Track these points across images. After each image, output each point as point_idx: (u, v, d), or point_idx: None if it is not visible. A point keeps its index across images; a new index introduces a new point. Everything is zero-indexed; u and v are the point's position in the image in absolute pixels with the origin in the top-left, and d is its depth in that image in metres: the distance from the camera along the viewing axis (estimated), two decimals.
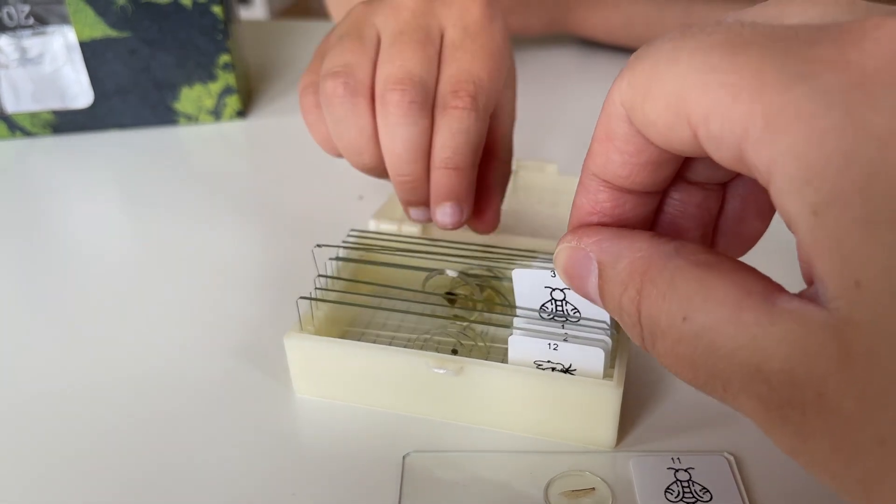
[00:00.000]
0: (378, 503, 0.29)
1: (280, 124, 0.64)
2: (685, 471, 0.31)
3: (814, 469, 0.18)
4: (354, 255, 0.38)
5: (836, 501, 0.29)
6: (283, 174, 0.57)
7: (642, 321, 0.21)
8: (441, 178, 0.36)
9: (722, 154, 0.19)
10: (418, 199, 0.38)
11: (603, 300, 0.23)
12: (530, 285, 0.31)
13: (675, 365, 0.20)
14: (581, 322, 0.31)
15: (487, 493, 0.30)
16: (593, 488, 0.30)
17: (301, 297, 0.33)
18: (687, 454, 0.31)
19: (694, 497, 0.29)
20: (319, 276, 0.35)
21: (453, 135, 0.36)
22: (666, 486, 0.30)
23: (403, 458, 0.31)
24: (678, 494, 0.30)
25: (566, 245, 0.25)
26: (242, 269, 0.44)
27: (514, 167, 0.49)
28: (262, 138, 0.62)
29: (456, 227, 0.38)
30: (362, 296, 0.36)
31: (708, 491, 0.30)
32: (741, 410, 0.19)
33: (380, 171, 0.38)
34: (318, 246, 0.36)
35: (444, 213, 0.37)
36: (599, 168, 0.24)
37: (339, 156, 0.40)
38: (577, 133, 0.62)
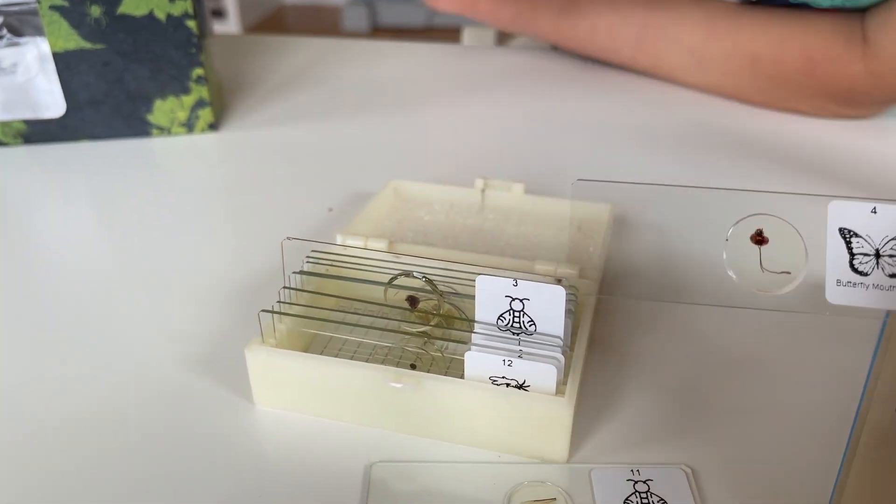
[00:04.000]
0: None
1: (251, 137, 0.65)
2: (644, 482, 0.31)
3: None
4: (320, 268, 0.38)
5: None
6: (254, 187, 0.57)
7: None
8: None
9: None
10: None
11: None
12: (492, 293, 0.32)
13: None
14: (536, 335, 0.32)
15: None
16: (554, 499, 0.31)
17: (263, 311, 0.34)
18: (646, 466, 0.32)
19: None
20: (284, 288, 0.36)
21: None
22: (625, 498, 0.31)
23: (367, 468, 0.32)
24: None
25: None
26: (210, 281, 0.44)
27: (481, 186, 0.50)
28: (234, 151, 0.63)
29: None
30: (325, 310, 0.37)
31: (665, 502, 0.30)
32: None
33: None
34: (289, 238, 0.37)
35: None
36: None
37: None
38: (545, 153, 0.63)
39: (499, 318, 0.32)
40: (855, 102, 0.66)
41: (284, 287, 0.36)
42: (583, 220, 0.48)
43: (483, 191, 0.50)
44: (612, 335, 0.40)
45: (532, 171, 0.58)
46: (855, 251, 0.27)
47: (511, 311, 0.32)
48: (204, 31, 0.62)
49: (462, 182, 0.51)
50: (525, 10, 0.78)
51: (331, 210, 0.52)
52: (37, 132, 0.62)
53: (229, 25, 2.87)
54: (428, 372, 0.33)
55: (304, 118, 0.69)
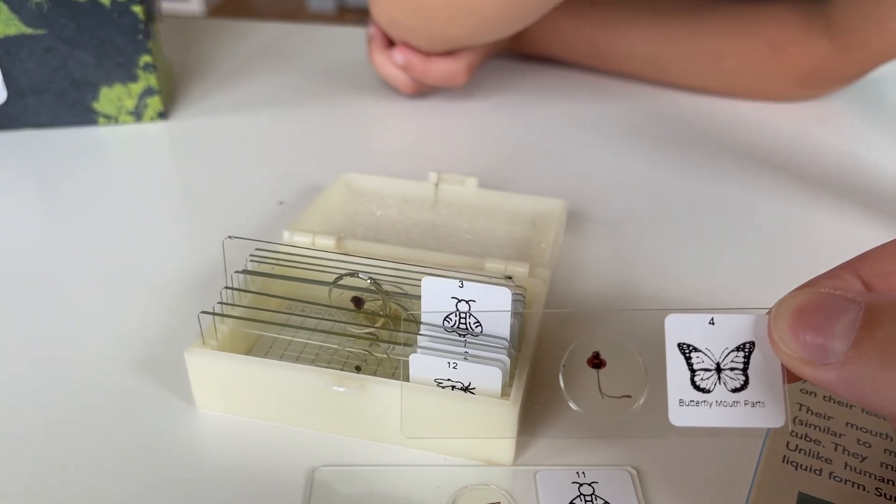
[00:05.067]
0: None
1: (203, 126, 0.63)
2: (589, 485, 0.31)
3: None
4: (264, 267, 0.38)
5: None
6: (203, 178, 0.56)
7: None
8: None
9: None
10: None
11: (870, 344, 0.21)
12: (438, 294, 0.31)
13: None
14: (482, 337, 0.31)
15: None
16: (498, 502, 0.30)
17: (203, 312, 0.33)
18: (591, 468, 0.32)
19: None
20: (225, 288, 0.35)
21: None
22: (569, 500, 0.30)
23: (310, 473, 0.31)
24: None
25: (807, 290, 0.24)
26: (156, 277, 0.43)
27: (434, 180, 0.49)
28: (184, 140, 0.61)
29: None
30: (269, 311, 0.36)
31: None
32: None
33: None
34: (230, 237, 0.36)
35: None
36: (872, 273, 0.25)
37: None
38: (496, 147, 0.62)
39: (445, 320, 0.32)
40: (821, 82, 0.67)
41: (226, 287, 0.35)
42: (536, 216, 0.48)
43: (437, 185, 0.49)
44: (563, 334, 0.40)
45: (487, 164, 0.58)
46: (695, 367, 0.26)
47: (457, 313, 0.31)
48: (152, 15, 0.61)
49: (417, 175, 0.50)
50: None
51: (281, 203, 0.51)
52: None
53: (192, 5, 2.81)
54: (374, 374, 0.33)
55: (259, 106, 0.67)
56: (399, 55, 0.63)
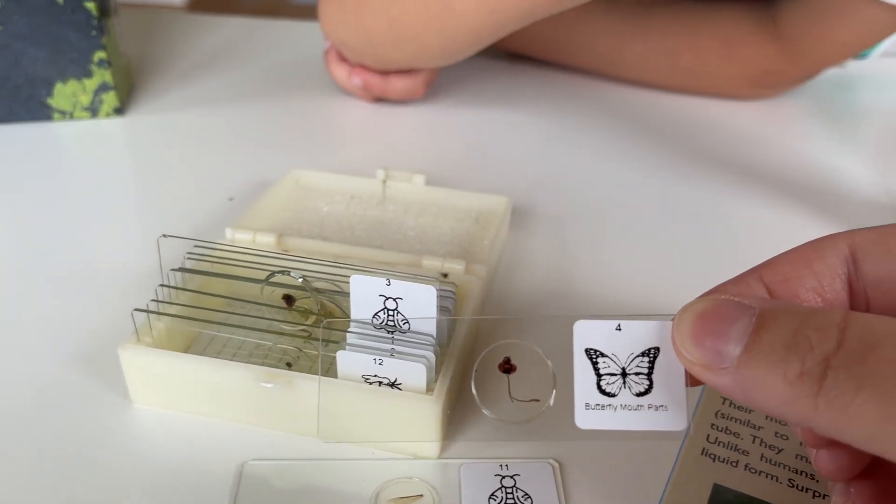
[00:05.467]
0: None
1: (159, 122, 0.63)
2: (511, 477, 0.32)
3: None
4: (203, 265, 0.38)
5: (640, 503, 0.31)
6: (156, 174, 0.56)
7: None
8: None
9: None
10: None
11: (758, 347, 0.22)
12: (366, 292, 0.32)
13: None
14: (409, 334, 0.32)
15: (319, 501, 0.31)
16: (421, 495, 0.31)
17: (136, 310, 0.34)
18: (515, 461, 0.33)
19: (515, 503, 0.31)
20: (160, 286, 0.35)
21: None
22: (490, 493, 0.31)
23: (241, 466, 0.32)
24: (501, 500, 0.31)
25: (710, 297, 0.25)
26: (99, 273, 0.44)
27: (382, 177, 0.50)
28: (139, 136, 0.61)
29: None
30: (206, 310, 0.36)
31: (529, 497, 0.31)
32: None
33: None
34: (164, 236, 0.36)
35: None
36: (775, 278, 0.26)
37: None
38: (447, 144, 0.63)
39: (373, 317, 0.32)
40: (772, 83, 0.69)
41: (161, 285, 0.35)
42: (481, 213, 0.48)
43: (384, 182, 0.50)
44: (498, 333, 0.41)
45: (436, 162, 0.58)
46: (602, 372, 0.27)
47: (385, 310, 0.32)
48: (107, 11, 0.61)
49: (366, 173, 0.51)
50: None
51: (231, 199, 0.52)
52: None
53: None
54: (309, 371, 0.34)
55: (216, 102, 0.68)
56: (357, 79, 0.65)
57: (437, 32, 0.57)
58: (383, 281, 0.31)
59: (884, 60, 0.78)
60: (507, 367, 0.30)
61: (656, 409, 0.27)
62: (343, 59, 0.66)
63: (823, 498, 0.31)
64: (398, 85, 0.65)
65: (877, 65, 0.80)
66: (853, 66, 0.79)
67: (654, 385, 0.27)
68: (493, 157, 0.61)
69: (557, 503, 0.31)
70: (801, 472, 0.32)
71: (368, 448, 0.33)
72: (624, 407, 0.27)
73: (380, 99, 0.68)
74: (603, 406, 0.27)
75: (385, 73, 0.65)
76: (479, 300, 0.38)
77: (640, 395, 0.27)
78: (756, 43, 0.66)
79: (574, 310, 0.43)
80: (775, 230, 0.51)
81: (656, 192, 0.56)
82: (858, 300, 0.26)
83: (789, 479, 0.32)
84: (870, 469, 0.27)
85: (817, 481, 0.32)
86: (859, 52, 0.65)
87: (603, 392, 0.27)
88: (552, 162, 0.60)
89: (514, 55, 0.79)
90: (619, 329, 0.27)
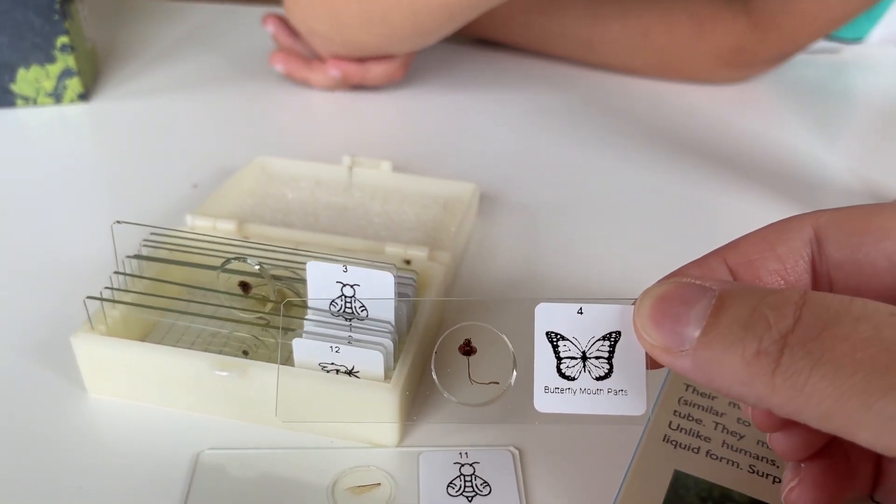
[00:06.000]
0: (165, 499, 0.29)
1: (125, 109, 0.62)
2: (470, 465, 0.32)
3: None
4: (161, 252, 0.37)
5: (600, 490, 0.31)
6: (120, 161, 0.55)
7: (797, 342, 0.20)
8: None
9: None
10: None
11: (716, 328, 0.22)
12: (323, 279, 0.31)
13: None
14: (367, 321, 0.32)
15: (275, 490, 0.30)
16: (378, 483, 0.31)
17: (88, 297, 0.33)
18: (475, 449, 0.33)
19: (474, 491, 0.31)
20: (115, 273, 0.35)
21: None
22: (449, 481, 0.31)
23: (196, 456, 0.31)
24: (459, 488, 0.31)
25: (671, 280, 0.24)
26: (57, 261, 0.43)
27: (348, 164, 0.49)
28: (104, 123, 0.60)
29: None
30: (161, 298, 0.36)
31: (488, 484, 0.31)
32: None
33: None
34: (118, 222, 0.35)
35: None
36: (738, 260, 0.25)
37: None
38: (415, 131, 0.62)
39: (331, 304, 0.32)
40: (744, 61, 0.69)
41: (115, 272, 0.35)
42: (448, 200, 0.48)
43: (351, 168, 0.49)
44: (461, 316, 0.40)
45: (403, 149, 0.58)
46: (562, 355, 0.27)
47: (343, 297, 0.32)
48: None
49: (333, 159, 0.50)
50: None
51: (196, 187, 0.51)
52: None
53: None
54: (268, 359, 0.33)
55: (182, 89, 0.66)
56: (334, 70, 0.64)
57: (409, 9, 0.56)
58: (340, 267, 0.31)
59: (868, 46, 0.79)
60: (468, 350, 0.30)
61: (616, 393, 0.27)
62: (306, 62, 0.65)
63: None
64: (376, 70, 0.65)
65: (850, 52, 0.81)
66: (826, 51, 0.80)
67: (615, 369, 0.27)
68: (463, 144, 0.60)
69: (517, 491, 0.31)
70: (762, 458, 0.32)
71: (326, 437, 0.32)
72: (583, 391, 0.27)
73: (358, 87, 0.67)
74: (562, 389, 0.27)
75: (361, 60, 0.64)
76: (441, 287, 0.38)
77: (599, 378, 0.27)
78: (726, 19, 0.66)
79: (540, 296, 0.42)
80: (745, 215, 0.51)
81: (625, 179, 0.56)
82: (821, 282, 0.25)
83: (750, 465, 0.32)
84: (824, 449, 0.27)
85: (777, 467, 0.32)
86: (830, 30, 0.65)
87: (562, 375, 0.27)
88: (522, 150, 0.60)
89: (484, 41, 0.78)
90: (581, 312, 0.27)
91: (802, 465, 0.27)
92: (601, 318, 0.26)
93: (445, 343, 0.29)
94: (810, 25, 0.64)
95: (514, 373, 0.28)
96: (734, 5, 0.65)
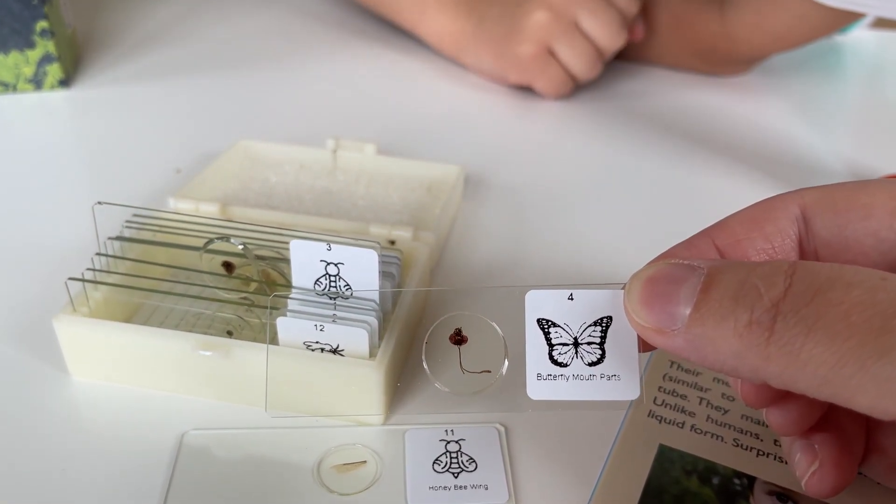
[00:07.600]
0: (149, 480, 0.29)
1: (107, 95, 0.62)
2: (456, 442, 0.32)
3: None
4: (144, 234, 0.37)
5: (586, 465, 0.31)
6: (102, 146, 0.55)
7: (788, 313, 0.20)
8: None
9: None
10: None
11: (707, 304, 0.22)
12: (307, 257, 0.31)
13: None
14: (352, 300, 0.31)
15: (260, 469, 0.30)
16: (364, 461, 0.31)
17: (70, 279, 0.33)
18: (461, 426, 0.33)
19: (460, 467, 0.31)
20: (96, 255, 0.34)
21: None
22: (435, 458, 0.31)
23: (180, 437, 0.31)
24: (445, 465, 0.31)
25: (660, 262, 0.24)
26: (40, 245, 0.42)
27: (332, 147, 0.49)
28: (86, 109, 0.60)
29: None
30: (144, 279, 0.35)
31: (474, 461, 0.31)
32: None
33: None
34: (100, 203, 0.35)
35: None
36: (726, 240, 0.26)
37: None
38: (395, 112, 0.62)
39: (315, 283, 0.32)
40: (719, 61, 0.69)
41: (97, 254, 0.34)
42: (433, 182, 0.48)
43: (335, 151, 0.49)
44: (449, 301, 0.40)
45: (389, 131, 0.57)
46: (554, 342, 0.27)
47: (327, 276, 0.31)
48: None
49: (317, 142, 0.50)
50: None
51: (179, 171, 0.50)
52: None
53: None
54: (253, 339, 0.33)
55: (164, 75, 0.66)
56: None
57: None
58: (324, 246, 0.31)
59: (856, 33, 0.79)
60: (459, 339, 0.30)
61: (609, 378, 0.27)
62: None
63: (767, 456, 0.31)
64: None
65: (838, 38, 0.81)
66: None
67: (607, 354, 0.27)
68: (449, 127, 0.60)
69: (502, 467, 0.31)
70: (746, 431, 0.33)
71: (311, 416, 0.32)
72: (576, 377, 0.27)
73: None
74: (555, 376, 0.27)
75: None
76: (426, 267, 0.38)
77: (592, 364, 0.27)
78: (703, 21, 0.65)
79: (527, 280, 0.42)
80: (732, 196, 0.51)
81: (612, 162, 0.56)
82: (809, 259, 0.26)
83: (734, 440, 0.32)
84: (823, 424, 0.27)
85: (762, 440, 0.32)
86: (794, 46, 0.65)
87: (555, 362, 0.27)
88: (509, 133, 0.60)
89: None
90: (572, 299, 0.27)
91: (816, 446, 0.27)
92: (592, 303, 0.26)
93: (436, 333, 0.29)
94: (779, 43, 0.64)
95: (506, 361, 0.28)
96: (710, 8, 0.65)
